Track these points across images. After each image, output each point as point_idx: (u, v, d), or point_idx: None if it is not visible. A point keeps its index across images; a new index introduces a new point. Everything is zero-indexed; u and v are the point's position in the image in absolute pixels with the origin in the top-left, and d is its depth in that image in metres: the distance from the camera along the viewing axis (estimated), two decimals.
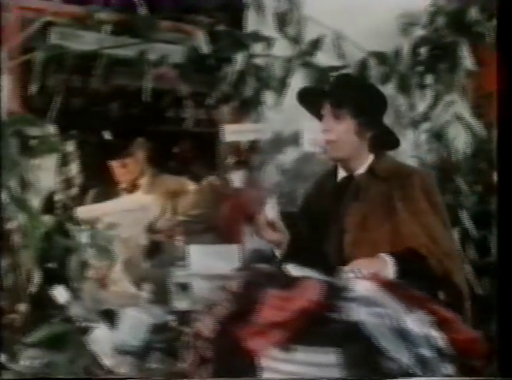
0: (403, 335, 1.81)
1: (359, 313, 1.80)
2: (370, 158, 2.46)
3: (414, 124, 3.42)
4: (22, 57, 2.24)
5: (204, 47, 2.49)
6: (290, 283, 1.91)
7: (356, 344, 1.75)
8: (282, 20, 2.84)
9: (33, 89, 2.35)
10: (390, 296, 1.89)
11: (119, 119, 4.07)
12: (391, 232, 2.35)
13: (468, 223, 3.11)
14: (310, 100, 2.50)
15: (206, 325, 1.89)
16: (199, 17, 2.79)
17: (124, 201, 3.13)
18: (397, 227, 2.35)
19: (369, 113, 2.41)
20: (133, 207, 2.92)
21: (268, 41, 2.72)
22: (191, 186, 3.34)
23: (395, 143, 2.52)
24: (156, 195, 3.17)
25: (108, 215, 2.82)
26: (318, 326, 1.77)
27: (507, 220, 1.95)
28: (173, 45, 2.59)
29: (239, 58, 2.59)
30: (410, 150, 3.48)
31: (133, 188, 3.37)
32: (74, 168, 3.12)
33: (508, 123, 2.01)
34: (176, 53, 2.52)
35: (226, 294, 1.93)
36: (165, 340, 2.19)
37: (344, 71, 3.07)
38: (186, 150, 4.48)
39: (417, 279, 2.06)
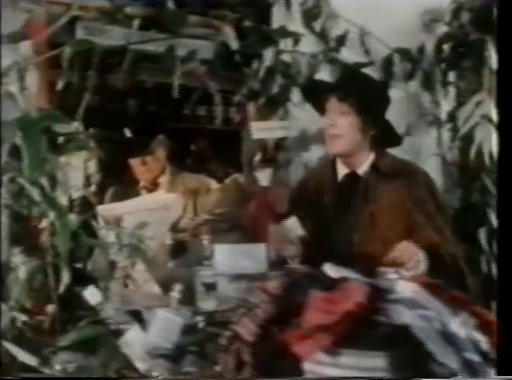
0: (449, 338, 1.76)
1: (405, 316, 1.76)
2: (371, 156, 2.46)
3: (438, 122, 3.39)
4: (49, 52, 2.18)
5: (233, 42, 2.44)
6: (331, 284, 1.87)
7: (403, 348, 1.71)
8: (309, 16, 2.79)
9: (60, 85, 2.29)
10: (434, 298, 1.85)
11: (136, 116, 4.01)
12: (404, 232, 2.35)
13: (495, 222, 3.06)
14: (315, 94, 2.50)
15: (245, 328, 1.84)
16: (224, 12, 2.74)
17: (145, 200, 3.07)
18: (411, 227, 2.36)
19: (373, 110, 2.42)
20: (155, 206, 2.86)
21: (295, 37, 2.67)
22: (213, 184, 3.29)
23: (396, 141, 2.53)
24: (177, 194, 3.11)
25: (131, 214, 2.77)
26: (364, 329, 1.72)
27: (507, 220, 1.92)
28: (201, 40, 2.54)
29: (268, 55, 2.54)
30: (433, 148, 3.45)
31: (153, 186, 3.32)
32: (92, 166, 3.06)
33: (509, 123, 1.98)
34: (205, 49, 2.47)
35: (265, 296, 1.88)
36: (198, 343, 2.14)
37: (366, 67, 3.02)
38: (203, 147, 4.44)
39: (437, 278, 2.04)
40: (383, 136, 2.45)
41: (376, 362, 1.70)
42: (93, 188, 2.98)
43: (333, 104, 2.41)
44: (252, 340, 1.81)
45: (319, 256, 2.26)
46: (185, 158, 4.27)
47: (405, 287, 1.86)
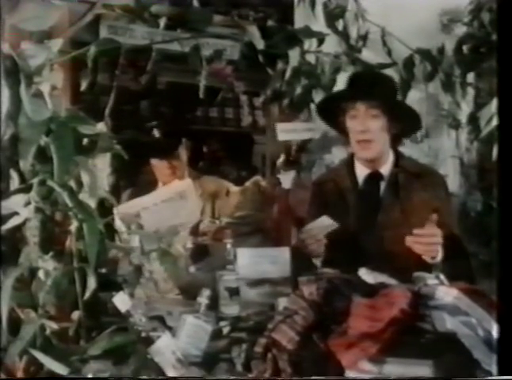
0: (493, 346, 1.72)
1: (448, 323, 1.71)
2: (391, 155, 2.50)
3: (457, 124, 3.36)
4: (74, 52, 2.12)
5: (259, 42, 2.40)
6: (371, 290, 1.82)
7: (450, 356, 1.66)
8: (332, 16, 2.75)
9: (84, 85, 2.23)
10: (475, 304, 1.81)
11: (148, 118, 3.95)
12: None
13: None
14: (336, 106, 2.46)
15: (284, 335, 1.79)
16: (247, 12, 2.70)
17: (160, 192, 2.96)
18: (439, 225, 2.32)
19: (397, 106, 2.46)
20: (171, 196, 2.76)
21: (320, 37, 2.63)
22: (232, 187, 3.22)
23: (417, 124, 2.54)
24: (189, 179, 2.99)
25: (147, 209, 2.69)
26: (409, 337, 1.68)
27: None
28: (226, 40, 2.49)
29: (294, 55, 2.50)
30: (451, 150, 3.43)
31: None
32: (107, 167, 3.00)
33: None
34: (230, 48, 2.42)
35: (303, 302, 1.83)
36: (225, 349, 2.08)
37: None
38: (216, 149, 4.39)
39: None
40: (405, 128, 2.49)
41: (422, 370, 1.66)
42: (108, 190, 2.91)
43: (361, 109, 2.40)
44: (291, 348, 1.76)
45: (350, 257, 2.27)
46: (199, 161, 4.22)
47: (445, 293, 1.81)
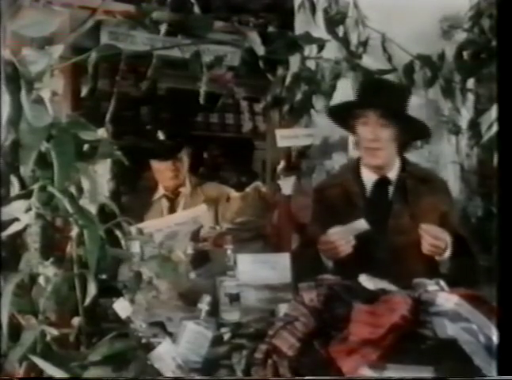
0: (493, 352, 1.72)
1: (449, 329, 1.71)
2: (397, 161, 2.53)
3: (457, 130, 3.36)
4: (74, 58, 2.12)
5: (260, 48, 2.40)
6: (371, 296, 1.82)
7: (450, 362, 1.66)
8: (332, 22, 2.76)
9: (85, 91, 2.24)
10: (475, 310, 1.81)
11: (148, 123, 3.96)
12: None
13: None
14: (348, 113, 2.48)
15: (284, 341, 1.79)
16: (247, 18, 2.71)
17: (176, 215, 3.00)
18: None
19: (406, 117, 2.46)
20: (185, 220, 2.79)
21: (320, 43, 2.64)
22: (232, 193, 3.23)
23: (425, 133, 2.60)
24: (204, 205, 3.03)
25: (161, 231, 2.70)
26: (410, 343, 1.68)
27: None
28: (227, 46, 2.50)
29: (294, 61, 2.51)
30: (452, 155, 3.42)
31: (174, 196, 3.26)
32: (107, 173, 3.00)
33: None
34: (231, 54, 2.43)
35: (304, 308, 1.83)
36: (226, 355, 2.08)
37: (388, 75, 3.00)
38: (216, 155, 4.39)
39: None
40: (414, 137, 2.57)
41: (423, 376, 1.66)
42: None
43: (372, 118, 2.42)
44: (292, 354, 1.76)
45: (359, 262, 2.28)
46: (199, 166, 4.22)
47: (446, 299, 1.82)
